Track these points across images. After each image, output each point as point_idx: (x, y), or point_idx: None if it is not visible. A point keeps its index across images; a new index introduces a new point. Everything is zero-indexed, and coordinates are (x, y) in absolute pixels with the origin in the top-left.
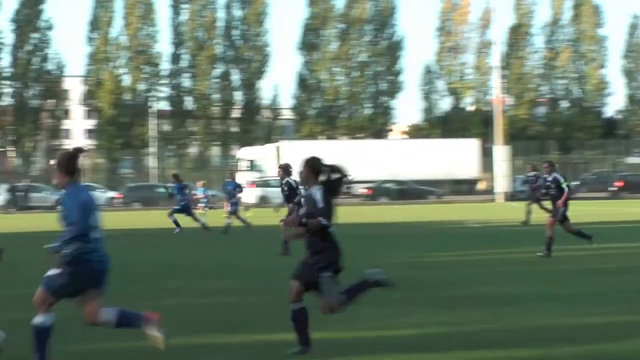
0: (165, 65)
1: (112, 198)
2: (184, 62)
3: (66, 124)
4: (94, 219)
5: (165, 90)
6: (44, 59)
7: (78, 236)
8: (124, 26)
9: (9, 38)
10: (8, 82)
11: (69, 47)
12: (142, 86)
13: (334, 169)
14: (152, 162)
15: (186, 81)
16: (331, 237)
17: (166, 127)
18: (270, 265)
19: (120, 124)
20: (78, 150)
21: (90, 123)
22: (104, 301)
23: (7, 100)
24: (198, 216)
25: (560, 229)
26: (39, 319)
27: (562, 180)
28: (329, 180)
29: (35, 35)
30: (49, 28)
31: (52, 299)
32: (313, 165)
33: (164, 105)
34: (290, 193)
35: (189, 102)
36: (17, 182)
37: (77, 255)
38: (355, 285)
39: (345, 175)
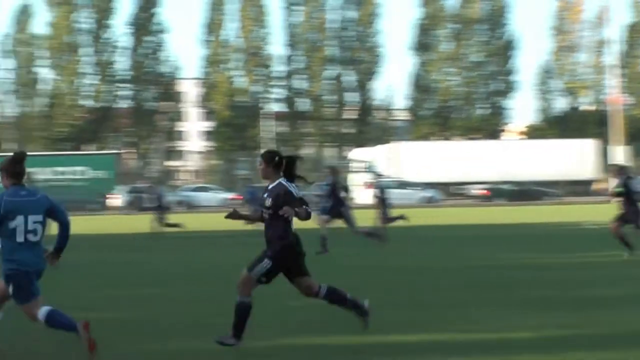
0: (277, 67)
1: (229, 199)
2: (297, 64)
3: (182, 126)
4: (19, 223)
5: (278, 92)
6: (160, 61)
7: None
8: (237, 28)
9: (127, 41)
10: (125, 85)
11: (185, 50)
12: (255, 88)
13: (291, 160)
14: None
15: (298, 82)
16: (290, 236)
17: (281, 129)
18: (373, 265)
19: (235, 125)
20: (21, 154)
21: (206, 125)
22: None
23: (125, 103)
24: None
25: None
26: (40, 316)
27: (620, 183)
28: (290, 172)
29: (150, 38)
30: (164, 31)
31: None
32: (272, 159)
33: (277, 107)
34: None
35: (301, 104)
36: (139, 184)
37: (4, 262)
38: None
39: (296, 171)
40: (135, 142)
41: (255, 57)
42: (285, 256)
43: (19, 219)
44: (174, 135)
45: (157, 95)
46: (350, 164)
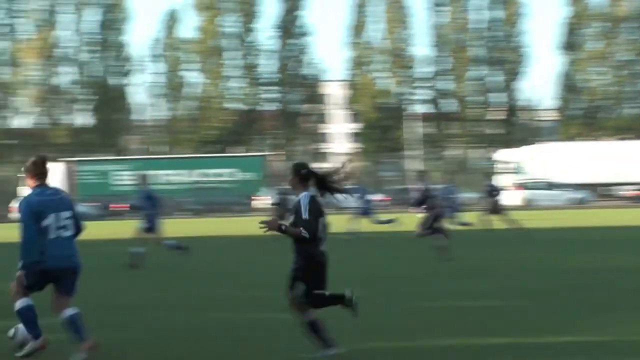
0: (422, 68)
1: (375, 201)
2: (442, 65)
3: (328, 128)
4: (51, 221)
5: (423, 93)
6: (304, 64)
7: (26, 251)
8: (381, 30)
9: (272, 44)
10: (271, 88)
11: (330, 52)
12: (399, 89)
13: (322, 176)
14: (409, 164)
15: (443, 83)
16: (314, 250)
17: (426, 130)
18: (527, 266)
19: (381, 127)
20: (43, 156)
21: (352, 127)
22: (67, 299)
23: (271, 105)
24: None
25: None
26: (18, 304)
27: None
28: (318, 187)
29: (295, 41)
30: (308, 34)
31: (24, 292)
32: (298, 172)
33: (422, 108)
34: (426, 197)
35: (446, 105)
36: (286, 186)
37: (30, 260)
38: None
39: (332, 184)
40: (281, 144)
41: (400, 59)
42: (311, 271)
43: (51, 217)
44: (319, 137)
45: (302, 97)
46: (496, 165)
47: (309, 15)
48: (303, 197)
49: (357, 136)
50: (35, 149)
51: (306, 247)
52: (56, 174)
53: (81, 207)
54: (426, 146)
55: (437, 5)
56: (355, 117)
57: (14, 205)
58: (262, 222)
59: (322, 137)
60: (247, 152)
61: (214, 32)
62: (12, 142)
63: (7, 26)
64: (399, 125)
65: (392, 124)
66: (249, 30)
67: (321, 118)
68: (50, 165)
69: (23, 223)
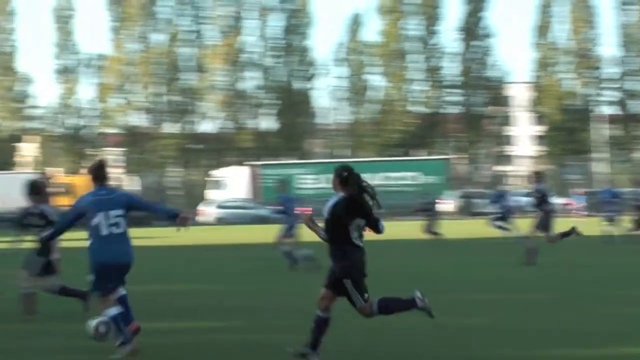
0: (609, 69)
1: (561, 204)
2: (630, 65)
3: (512, 131)
4: (100, 219)
5: (610, 94)
6: (488, 66)
7: (55, 231)
8: (568, 30)
9: (455, 47)
10: (454, 90)
11: (514, 54)
12: (585, 90)
13: (360, 184)
14: (596, 167)
15: (631, 84)
16: (345, 248)
17: (613, 132)
18: None
19: (566, 129)
20: (102, 161)
21: (536, 129)
22: (114, 295)
23: (454, 108)
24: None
25: None
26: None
27: None
28: (354, 191)
29: (478, 43)
30: (492, 35)
31: (100, 296)
32: (339, 175)
33: (608, 110)
34: (540, 200)
35: (634, 106)
36: (469, 189)
37: (90, 255)
38: (401, 301)
39: (363, 192)
40: (464, 147)
41: (586, 59)
42: (350, 272)
43: (100, 216)
44: (503, 140)
45: (486, 100)
46: None
47: (493, 17)
48: (334, 199)
49: (541, 138)
50: (220, 153)
51: (334, 248)
52: (241, 178)
53: (264, 211)
54: (613, 148)
55: (625, 4)
56: (540, 119)
57: (203, 208)
58: (303, 211)
59: (506, 140)
60: (430, 155)
61: (397, 36)
62: (198, 146)
63: (194, 32)
64: (585, 127)
65: (577, 126)
66: (432, 32)
67: (505, 120)
68: (234, 169)
69: (67, 212)
